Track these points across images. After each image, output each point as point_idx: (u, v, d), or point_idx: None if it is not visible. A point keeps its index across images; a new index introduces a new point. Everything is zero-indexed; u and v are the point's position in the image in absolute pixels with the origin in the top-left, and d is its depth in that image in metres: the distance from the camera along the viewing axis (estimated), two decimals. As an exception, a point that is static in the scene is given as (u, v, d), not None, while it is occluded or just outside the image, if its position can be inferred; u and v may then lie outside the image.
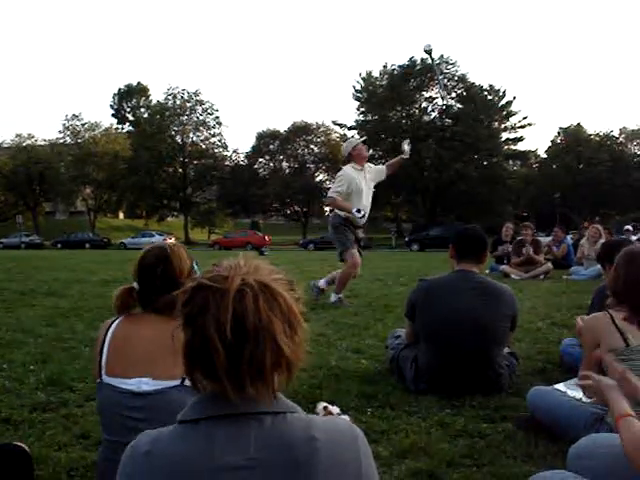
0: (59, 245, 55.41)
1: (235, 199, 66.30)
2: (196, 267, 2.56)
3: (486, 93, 62.49)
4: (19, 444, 2.50)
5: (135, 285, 2.41)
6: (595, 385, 2.23)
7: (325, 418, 1.32)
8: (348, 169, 8.28)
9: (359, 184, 8.12)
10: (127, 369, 2.25)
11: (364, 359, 5.11)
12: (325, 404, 3.14)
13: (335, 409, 3.02)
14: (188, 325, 1.24)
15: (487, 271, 12.23)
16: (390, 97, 60.97)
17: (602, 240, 11.77)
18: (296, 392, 3.84)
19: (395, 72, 62.66)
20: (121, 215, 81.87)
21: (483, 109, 60.56)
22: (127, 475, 1.25)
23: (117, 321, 2.43)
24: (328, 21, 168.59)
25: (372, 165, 8.67)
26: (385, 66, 64.32)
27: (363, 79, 64.92)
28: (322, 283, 8.75)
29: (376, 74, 64.84)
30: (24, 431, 3.54)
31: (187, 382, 2.17)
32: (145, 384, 2.21)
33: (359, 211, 8.03)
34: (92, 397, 4.16)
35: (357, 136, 62.13)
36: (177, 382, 2.19)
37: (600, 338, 3.01)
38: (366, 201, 8.26)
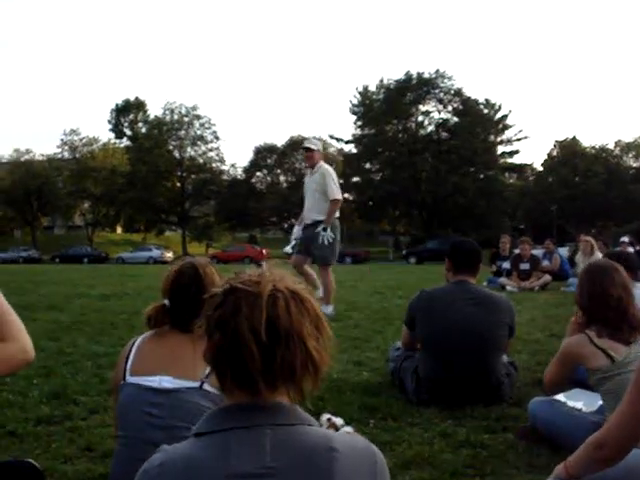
0: (57, 260, 55.32)
1: (233, 213, 66.40)
2: None
3: (482, 107, 62.82)
4: (29, 460, 2.52)
5: (166, 302, 2.44)
6: None
7: (343, 433, 1.34)
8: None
9: (306, 185, 8.37)
10: (150, 369, 2.33)
11: (365, 371, 5.14)
12: (329, 415, 3.18)
13: (339, 420, 3.06)
14: (219, 328, 1.25)
15: (485, 283, 12.28)
16: (387, 111, 61.31)
17: (597, 252, 11.85)
18: (300, 404, 3.87)
19: (391, 86, 62.98)
20: (119, 229, 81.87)
21: (479, 122, 60.89)
22: None
23: (144, 335, 2.49)
24: (325, 36, 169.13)
25: (324, 176, 8.27)
26: (382, 80, 64.80)
27: (360, 93, 65.25)
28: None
29: (373, 88, 65.31)
30: (30, 444, 3.55)
31: (205, 386, 2.24)
32: (166, 382, 2.28)
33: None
34: (96, 410, 4.20)
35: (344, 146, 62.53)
36: (196, 384, 2.26)
37: (582, 360, 3.09)
38: (308, 203, 8.29)
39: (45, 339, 6.91)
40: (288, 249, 8.33)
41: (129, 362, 2.40)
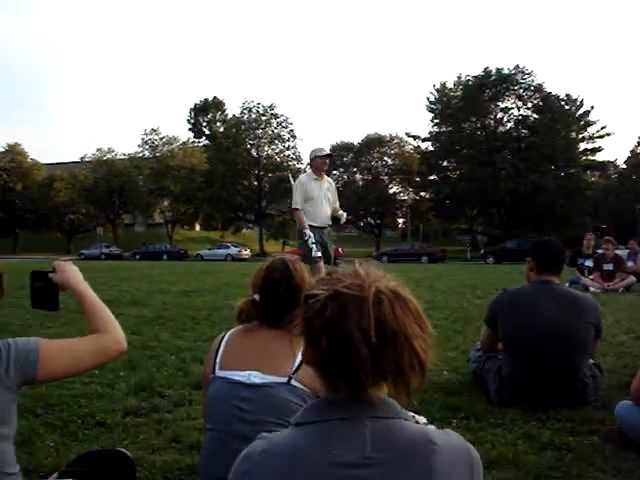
0: (137, 256, 56.61)
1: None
2: None
3: (563, 103, 61.37)
4: (122, 450, 2.61)
5: (256, 297, 2.49)
6: None
7: (440, 430, 1.36)
8: (302, 177, 8.74)
9: (311, 191, 8.44)
10: (239, 364, 2.38)
11: (446, 371, 5.12)
12: (411, 414, 3.18)
13: (422, 419, 3.05)
14: (326, 332, 1.25)
15: (567, 284, 12.02)
16: (464, 108, 60.49)
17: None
18: (406, 401, 3.87)
19: (469, 83, 62.14)
20: (197, 227, 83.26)
21: (560, 119, 59.47)
22: (244, 473, 1.30)
23: (234, 329, 2.54)
24: (402, 33, 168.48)
25: (333, 185, 8.90)
26: (459, 77, 64.01)
27: (437, 90, 64.63)
28: None
29: (450, 85, 64.58)
30: (118, 434, 3.67)
31: (293, 382, 2.27)
32: (254, 377, 2.32)
33: (305, 234, 8.29)
34: (181, 403, 4.30)
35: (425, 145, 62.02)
36: (284, 380, 2.29)
37: None
38: (322, 207, 8.53)
39: (129, 333, 7.09)
40: (318, 253, 8.45)
41: (218, 356, 2.45)
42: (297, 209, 8.42)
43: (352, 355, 1.23)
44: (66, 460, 3.02)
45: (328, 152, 9.09)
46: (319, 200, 8.53)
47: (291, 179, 9.29)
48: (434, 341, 1.32)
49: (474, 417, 3.90)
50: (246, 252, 56.15)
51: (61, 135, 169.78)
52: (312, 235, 8.27)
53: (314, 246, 8.29)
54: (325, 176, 8.74)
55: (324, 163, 8.64)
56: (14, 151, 76.10)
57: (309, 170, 8.92)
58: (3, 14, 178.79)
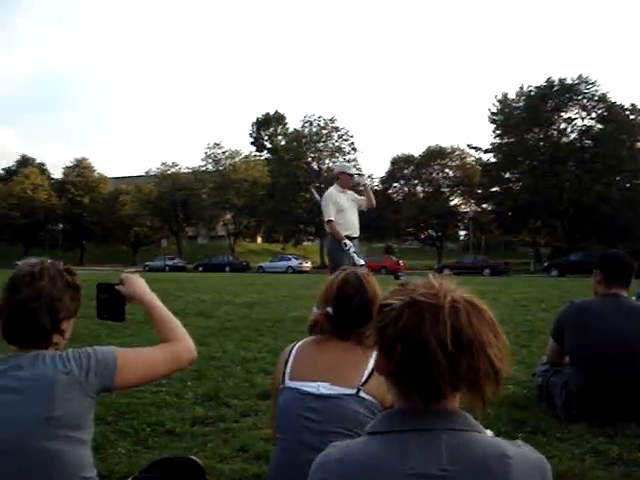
0: (200, 268, 57.30)
1: (369, 224, 66.44)
2: None
3: (628, 112, 59.97)
4: (192, 457, 2.68)
5: (329, 310, 2.52)
6: None
7: (512, 442, 1.35)
8: (331, 190, 9.08)
9: (341, 202, 8.83)
10: (309, 374, 2.40)
11: (511, 385, 5.06)
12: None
13: (489, 432, 3.04)
14: (401, 341, 1.26)
15: (634, 297, 11.74)
16: (527, 119, 59.59)
17: None
18: (480, 410, 3.87)
19: (532, 93, 61.26)
20: (259, 239, 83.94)
21: (625, 129, 58.05)
22: None
23: (304, 340, 2.58)
24: (464, 44, 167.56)
25: (356, 195, 9.27)
26: (521, 87, 62.93)
27: (499, 101, 63.80)
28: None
29: (512, 96, 63.65)
30: (187, 442, 3.76)
31: (361, 393, 2.29)
32: (323, 388, 2.34)
33: (346, 244, 8.57)
34: (247, 413, 4.37)
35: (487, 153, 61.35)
36: (353, 391, 2.30)
37: None
38: (352, 218, 8.94)
39: (195, 344, 7.21)
40: (361, 261, 8.69)
41: (288, 366, 2.48)
42: (331, 220, 8.77)
43: (428, 362, 1.24)
44: (137, 467, 3.12)
45: (356, 172, 9.61)
46: (349, 211, 8.93)
47: (315, 194, 9.69)
48: (508, 351, 1.32)
49: (541, 431, 3.87)
50: (307, 264, 56.33)
51: (127, 150, 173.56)
52: (351, 245, 8.57)
53: (355, 255, 8.57)
54: (348, 191, 9.19)
55: (350, 180, 9.14)
56: (81, 165, 78.27)
57: (335, 184, 9.26)
58: (69, 29, 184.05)
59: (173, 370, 2.27)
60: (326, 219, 8.84)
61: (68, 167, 79.26)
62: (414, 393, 1.30)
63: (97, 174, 79.15)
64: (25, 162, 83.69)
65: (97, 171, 79.78)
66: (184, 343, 2.25)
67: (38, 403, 1.89)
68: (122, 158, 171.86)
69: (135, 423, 4.12)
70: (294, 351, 2.54)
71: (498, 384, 1.30)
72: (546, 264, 48.16)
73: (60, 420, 1.90)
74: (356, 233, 9.02)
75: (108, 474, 3.15)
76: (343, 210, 8.82)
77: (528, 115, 59.46)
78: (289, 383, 2.45)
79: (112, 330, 8.21)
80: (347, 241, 8.55)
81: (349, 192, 9.14)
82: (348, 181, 9.11)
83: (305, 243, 75.89)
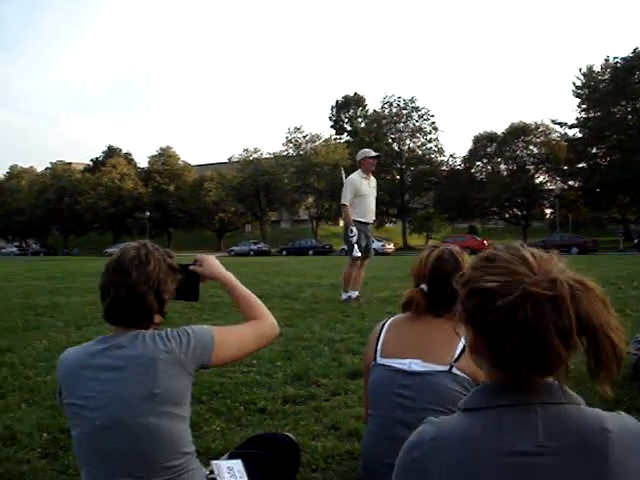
0: (284, 252, 58.03)
1: (452, 204, 65.76)
2: None
3: None
4: (288, 434, 2.74)
5: (424, 287, 2.52)
6: None
7: (613, 414, 1.30)
8: (354, 175, 9.54)
9: (361, 188, 9.33)
10: (400, 352, 2.41)
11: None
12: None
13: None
14: (517, 333, 1.20)
15: None
16: (613, 92, 57.68)
17: None
18: (604, 392, 3.82)
19: (618, 65, 59.23)
20: (341, 222, 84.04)
21: None
22: (414, 460, 1.29)
23: (395, 317, 2.59)
24: (545, 18, 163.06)
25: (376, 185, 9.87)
26: (607, 60, 61.04)
27: (584, 74, 61.96)
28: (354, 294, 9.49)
29: (597, 69, 61.72)
30: (279, 421, 3.82)
31: (454, 370, 2.28)
32: (415, 365, 2.34)
33: (352, 231, 9.10)
34: (337, 392, 4.41)
35: (571, 132, 59.77)
36: (445, 368, 2.30)
37: None
38: (370, 205, 9.48)
39: (283, 325, 7.32)
40: (358, 253, 9.14)
41: (379, 343, 2.50)
42: (346, 205, 9.24)
43: (547, 353, 1.19)
44: (232, 443, 3.20)
45: (376, 154, 10.02)
46: (368, 197, 9.40)
47: (343, 176, 9.92)
48: (623, 329, 1.26)
49: (636, 410, 3.77)
50: (390, 246, 56.17)
51: (210, 137, 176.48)
52: (357, 234, 9.06)
53: (356, 246, 9.07)
54: (372, 176, 9.72)
55: (373, 163, 9.61)
56: (166, 154, 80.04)
57: (359, 169, 9.62)
58: (151, 25, 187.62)
59: (261, 346, 2.36)
60: (342, 202, 9.30)
61: (153, 156, 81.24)
62: (516, 371, 1.26)
63: (181, 162, 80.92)
64: (112, 152, 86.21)
65: (181, 159, 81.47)
66: (268, 320, 2.34)
67: (141, 380, 1.96)
68: (205, 146, 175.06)
69: (228, 402, 4.21)
70: (385, 328, 2.55)
71: (619, 366, 1.24)
72: (636, 241, 46.68)
73: (162, 397, 1.96)
74: (371, 219, 9.65)
75: (204, 451, 3.22)
76: (362, 196, 9.29)
77: (614, 88, 57.58)
78: (380, 360, 2.46)
79: (202, 313, 8.41)
80: (354, 228, 9.06)
81: (372, 178, 9.69)
82: (370, 165, 9.56)
83: (387, 225, 75.68)
